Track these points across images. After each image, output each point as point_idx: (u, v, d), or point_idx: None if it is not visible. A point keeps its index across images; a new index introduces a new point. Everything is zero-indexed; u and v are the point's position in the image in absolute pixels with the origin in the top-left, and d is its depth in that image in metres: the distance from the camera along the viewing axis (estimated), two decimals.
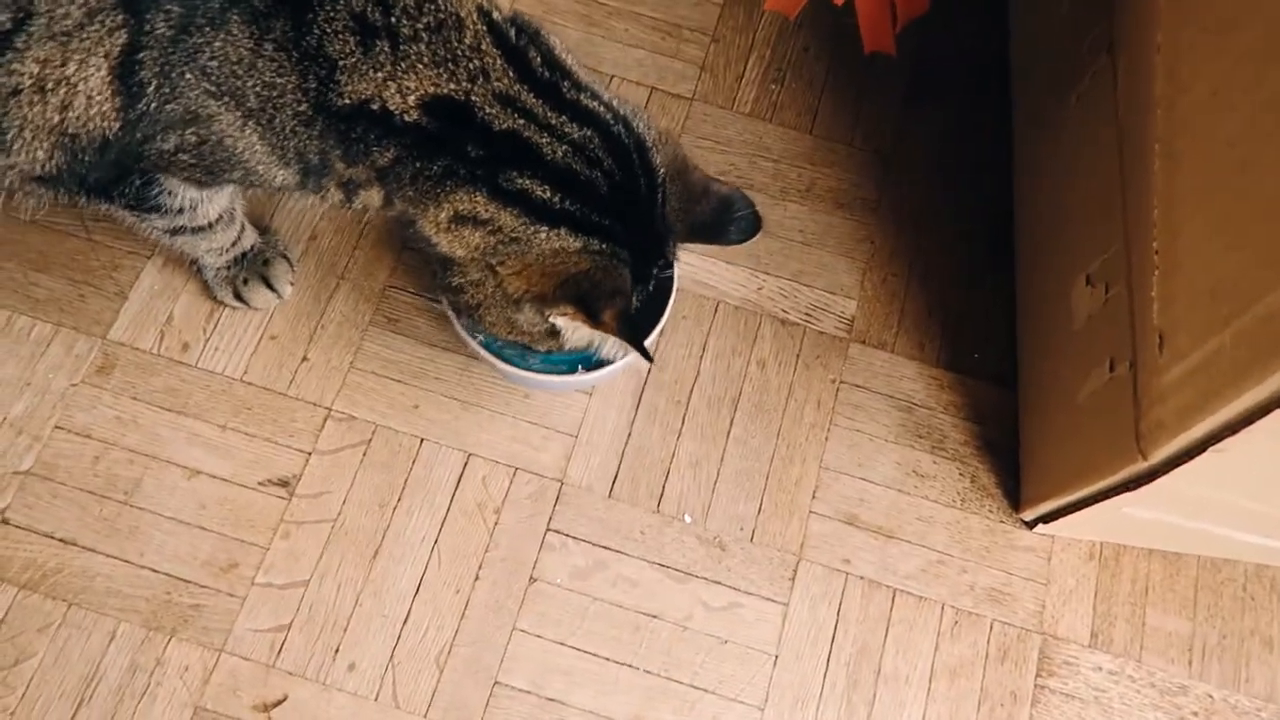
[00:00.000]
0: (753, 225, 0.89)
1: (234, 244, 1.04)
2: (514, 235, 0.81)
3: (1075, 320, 1.00)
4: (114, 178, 0.85)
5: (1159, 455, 0.84)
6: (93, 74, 0.74)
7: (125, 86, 0.75)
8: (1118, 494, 0.92)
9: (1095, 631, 1.05)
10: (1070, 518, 1.03)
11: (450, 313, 0.99)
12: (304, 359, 1.08)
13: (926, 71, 1.28)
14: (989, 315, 1.17)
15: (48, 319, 1.07)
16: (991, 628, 1.04)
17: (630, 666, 1.00)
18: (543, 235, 0.81)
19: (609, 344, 0.88)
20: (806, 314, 1.16)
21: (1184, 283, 0.77)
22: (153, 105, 0.76)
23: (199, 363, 1.07)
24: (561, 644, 1.00)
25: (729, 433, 1.10)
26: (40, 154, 0.80)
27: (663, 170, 0.85)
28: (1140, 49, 0.83)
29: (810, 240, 1.19)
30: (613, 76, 1.25)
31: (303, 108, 0.76)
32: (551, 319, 0.85)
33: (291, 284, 1.10)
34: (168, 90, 0.75)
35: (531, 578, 1.02)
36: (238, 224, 1.02)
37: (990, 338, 1.16)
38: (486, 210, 0.80)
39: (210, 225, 0.97)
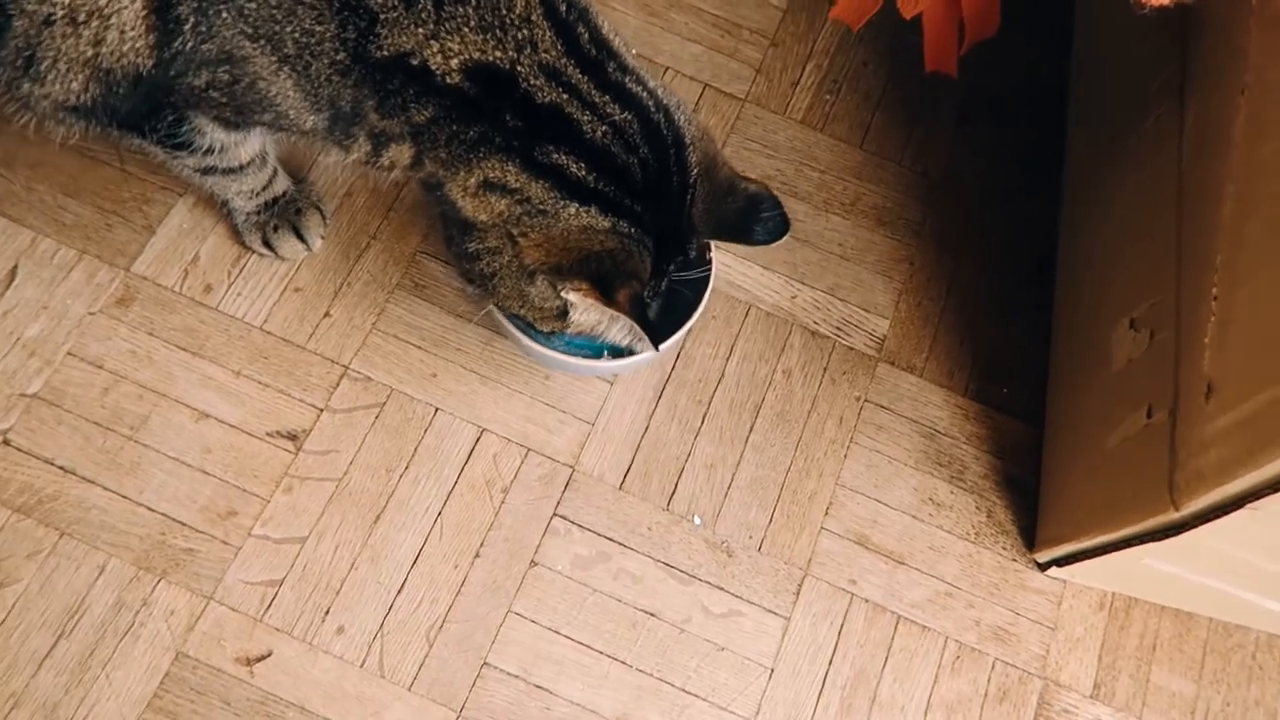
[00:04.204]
0: (780, 226, 0.87)
1: (265, 188, 1.02)
2: (541, 207, 0.79)
3: (1114, 363, 0.98)
4: (146, 112, 0.83)
5: (1191, 507, 0.81)
6: (127, 7, 0.72)
7: (161, 22, 0.73)
8: (1141, 543, 0.90)
9: (1098, 682, 1.02)
10: (1086, 563, 1.01)
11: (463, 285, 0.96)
12: (326, 314, 1.06)
13: (983, 97, 1.26)
14: (1022, 350, 1.15)
15: (73, 245, 1.05)
16: (993, 666, 1.02)
17: (623, 663, 0.97)
18: (571, 210, 0.79)
19: (616, 327, 0.86)
20: (838, 328, 1.14)
21: (1240, 332, 0.75)
22: (188, 44, 0.75)
23: (220, 306, 1.05)
24: (555, 632, 0.98)
25: (748, 438, 1.08)
26: (75, 85, 0.78)
27: (696, 170, 0.84)
28: (1220, 90, 0.81)
29: (849, 255, 1.18)
30: (667, 69, 1.24)
31: (340, 56, 0.75)
32: (564, 294, 0.83)
33: (322, 237, 1.08)
34: (204, 29, 0.74)
35: (532, 561, 1.00)
36: (269, 169, 1.01)
37: (1021, 373, 1.14)
38: (517, 180, 0.78)
39: (241, 168, 0.96)
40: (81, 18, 0.72)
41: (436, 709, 0.93)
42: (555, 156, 0.77)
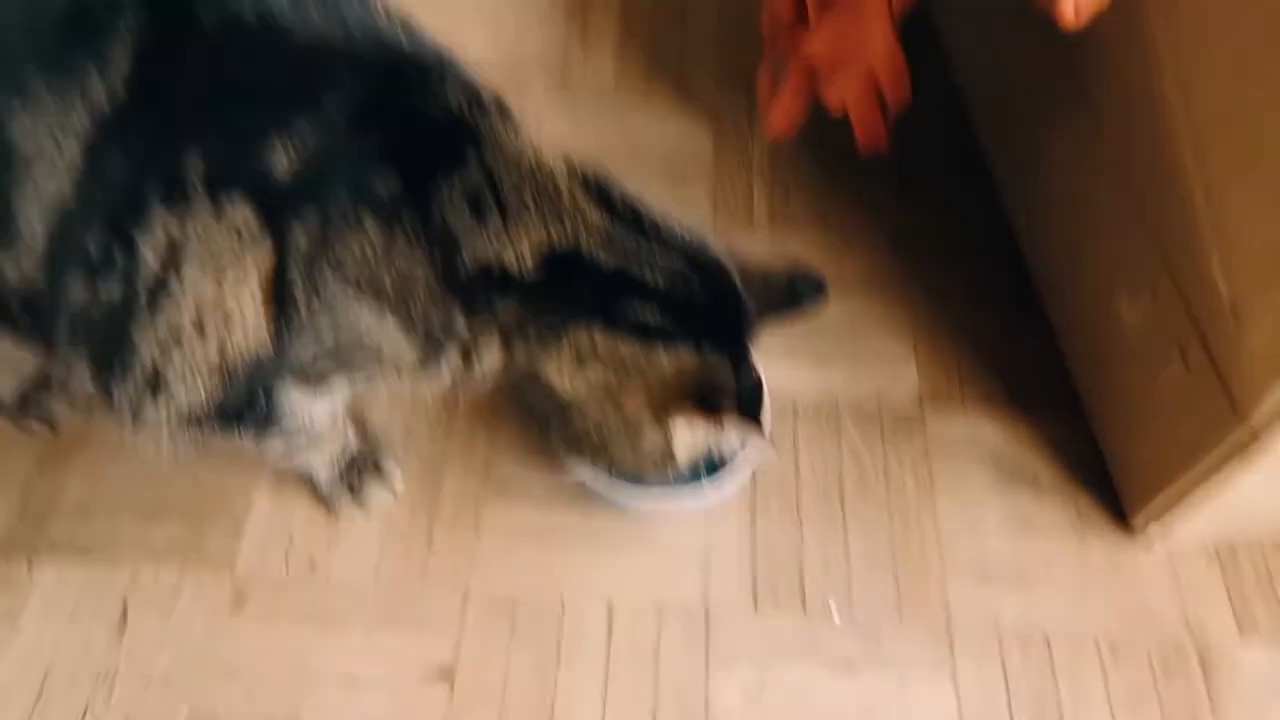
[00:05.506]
0: (819, 288, 0.96)
1: (343, 449, 1.07)
2: (634, 363, 0.87)
3: (1129, 332, 1.09)
4: (246, 401, 0.88)
5: (1259, 413, 0.90)
6: (248, 303, 0.79)
7: (281, 309, 0.80)
8: (1226, 466, 0.96)
9: (1240, 623, 1.08)
10: (1183, 509, 1.06)
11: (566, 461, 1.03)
12: (429, 546, 1.10)
13: (912, 157, 1.41)
14: (1036, 354, 1.26)
15: (172, 565, 1.07)
16: (1148, 648, 1.06)
17: None
18: (660, 355, 0.87)
19: (726, 435, 0.92)
20: (877, 393, 1.23)
21: (1243, 252, 0.88)
22: (305, 320, 0.81)
23: (329, 575, 1.08)
24: None
25: (844, 519, 1.14)
26: (201, 391, 0.83)
27: (739, 280, 0.93)
28: (1135, 71, 0.98)
29: (856, 326, 1.28)
30: None
31: (435, 285, 0.82)
32: (675, 431, 0.89)
33: (400, 481, 1.13)
34: (318, 302, 0.80)
35: (707, 706, 1.02)
36: (343, 428, 1.06)
37: (1045, 373, 1.24)
38: (605, 343, 0.86)
39: (324, 435, 1.01)
40: (208, 324, 0.78)
41: None
42: (630, 312, 0.85)
